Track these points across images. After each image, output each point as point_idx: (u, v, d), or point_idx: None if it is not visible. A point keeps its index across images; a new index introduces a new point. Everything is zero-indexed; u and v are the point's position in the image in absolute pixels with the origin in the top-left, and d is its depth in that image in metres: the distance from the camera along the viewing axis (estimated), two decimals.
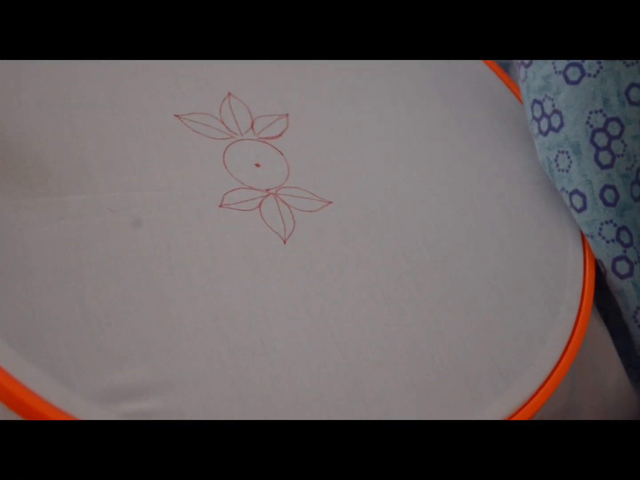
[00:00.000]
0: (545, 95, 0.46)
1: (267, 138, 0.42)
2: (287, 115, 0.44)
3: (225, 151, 0.41)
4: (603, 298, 0.47)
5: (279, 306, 0.36)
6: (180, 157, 0.39)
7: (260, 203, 0.39)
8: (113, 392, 0.31)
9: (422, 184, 0.44)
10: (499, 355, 0.39)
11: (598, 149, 0.44)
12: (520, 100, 0.51)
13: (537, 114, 0.46)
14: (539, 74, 0.46)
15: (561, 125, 0.45)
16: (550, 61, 0.45)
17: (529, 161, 0.48)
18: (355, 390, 0.35)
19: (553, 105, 0.45)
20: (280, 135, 0.43)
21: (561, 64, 0.45)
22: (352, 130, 0.45)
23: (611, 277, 0.45)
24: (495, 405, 0.37)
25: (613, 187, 0.44)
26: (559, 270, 0.44)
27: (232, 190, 0.39)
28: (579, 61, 0.44)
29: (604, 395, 0.45)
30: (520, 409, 0.38)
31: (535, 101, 0.46)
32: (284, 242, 0.38)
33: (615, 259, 0.44)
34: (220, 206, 0.38)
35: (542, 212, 0.46)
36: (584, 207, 0.45)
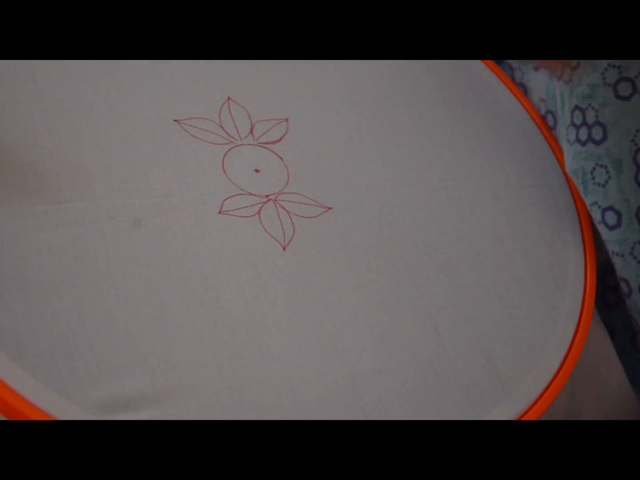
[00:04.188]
0: (589, 105, 0.44)
1: (266, 143, 0.42)
2: (286, 119, 0.44)
3: (224, 156, 0.40)
4: (610, 315, 0.47)
5: (278, 314, 0.36)
6: (179, 163, 0.39)
7: (260, 209, 0.39)
8: (111, 403, 0.31)
9: (423, 189, 0.44)
10: (499, 363, 0.38)
11: (639, 168, 0.43)
12: (522, 104, 0.51)
13: (578, 120, 0.45)
14: (586, 81, 0.44)
15: (603, 138, 0.43)
16: (599, 70, 0.44)
17: (530, 165, 0.48)
18: (354, 399, 0.35)
19: (596, 117, 0.44)
20: (280, 140, 0.43)
21: (612, 76, 0.43)
22: (352, 135, 0.45)
23: (636, 298, 0.44)
24: (495, 413, 0.37)
25: None
26: (559, 276, 0.43)
27: (231, 197, 0.39)
28: (631, 76, 0.43)
29: (605, 402, 0.45)
30: (520, 417, 0.37)
31: (577, 107, 0.45)
32: (284, 249, 0.38)
33: None
34: (220, 212, 0.38)
35: (543, 217, 0.46)
36: (618, 225, 0.43)
